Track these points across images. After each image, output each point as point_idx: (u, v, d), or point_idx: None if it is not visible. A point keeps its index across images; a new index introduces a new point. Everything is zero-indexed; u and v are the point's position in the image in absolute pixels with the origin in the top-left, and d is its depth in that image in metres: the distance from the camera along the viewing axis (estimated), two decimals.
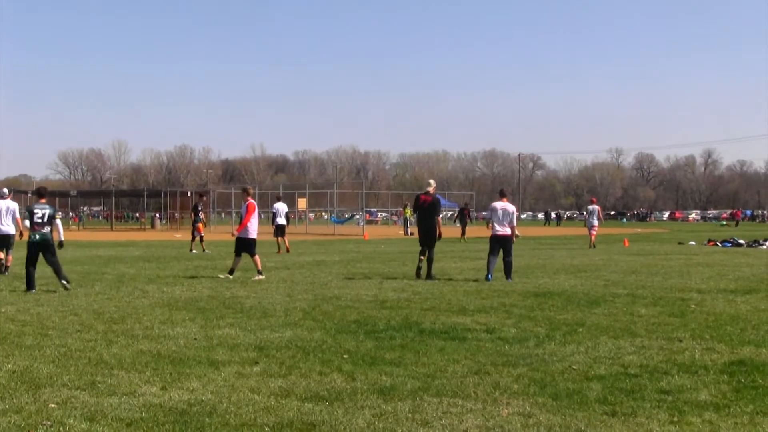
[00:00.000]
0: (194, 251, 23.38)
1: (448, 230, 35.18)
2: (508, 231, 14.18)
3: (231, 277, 14.21)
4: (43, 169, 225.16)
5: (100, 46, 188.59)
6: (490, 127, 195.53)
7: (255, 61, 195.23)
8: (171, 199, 62.34)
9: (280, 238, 24.09)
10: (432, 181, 15.30)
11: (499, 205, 14.39)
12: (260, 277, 14.12)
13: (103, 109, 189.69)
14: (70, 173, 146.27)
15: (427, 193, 14.71)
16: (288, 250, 23.45)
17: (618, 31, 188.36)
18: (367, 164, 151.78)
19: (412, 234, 43.54)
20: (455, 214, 38.54)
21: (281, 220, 24.45)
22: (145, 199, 71.95)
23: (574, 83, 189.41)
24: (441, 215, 14.73)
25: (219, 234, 43.83)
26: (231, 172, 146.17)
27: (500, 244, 14.18)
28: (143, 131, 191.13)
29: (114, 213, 71.72)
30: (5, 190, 16.57)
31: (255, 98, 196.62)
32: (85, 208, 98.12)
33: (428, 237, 14.35)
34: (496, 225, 14.23)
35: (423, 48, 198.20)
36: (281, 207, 24.93)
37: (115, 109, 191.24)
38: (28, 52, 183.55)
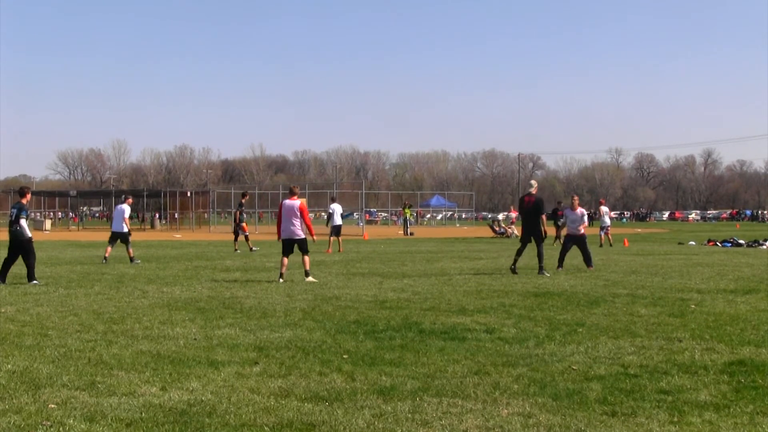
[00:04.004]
0: (237, 250, 23.79)
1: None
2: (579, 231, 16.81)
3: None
4: (42, 169, 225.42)
5: (100, 46, 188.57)
6: (490, 127, 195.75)
7: (255, 61, 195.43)
8: (171, 199, 62.34)
9: (334, 237, 24.60)
10: (533, 182, 16.05)
11: (570, 213, 17.23)
12: (311, 279, 13.82)
13: (103, 109, 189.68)
14: (70, 173, 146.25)
15: (530, 194, 15.45)
16: (341, 250, 23.92)
17: (618, 31, 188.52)
18: (366, 164, 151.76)
19: (411, 234, 43.60)
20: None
21: (338, 221, 24.91)
22: (145, 200, 71.92)
23: (574, 83, 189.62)
24: (544, 214, 15.68)
25: (220, 234, 43.84)
26: (231, 172, 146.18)
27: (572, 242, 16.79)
28: (143, 131, 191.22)
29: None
30: (123, 196, 20.30)
31: (255, 98, 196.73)
32: (85, 209, 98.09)
33: (532, 235, 15.21)
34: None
35: (423, 48, 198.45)
36: (338, 207, 25.43)
37: (115, 109, 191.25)
38: (28, 52, 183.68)
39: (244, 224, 24.42)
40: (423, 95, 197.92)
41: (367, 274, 15.31)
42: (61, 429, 4.67)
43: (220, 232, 46.86)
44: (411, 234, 43.68)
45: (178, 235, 40.97)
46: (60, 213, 78.33)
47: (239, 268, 16.84)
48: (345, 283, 13.38)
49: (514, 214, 44.51)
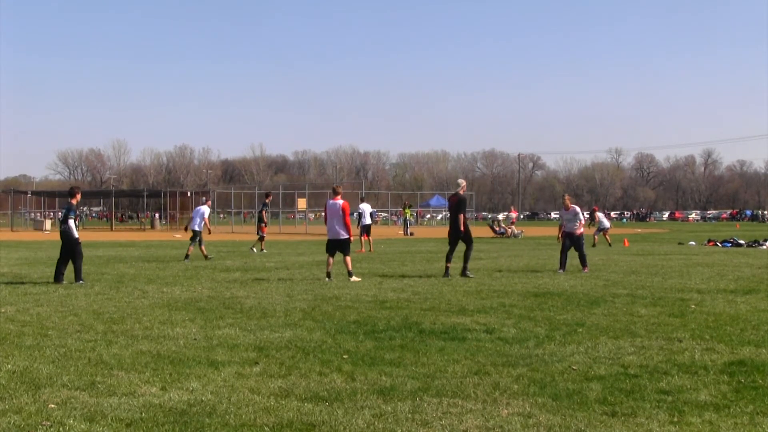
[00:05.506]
0: (264, 250, 24.05)
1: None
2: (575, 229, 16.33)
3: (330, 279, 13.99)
4: (42, 169, 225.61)
5: (100, 46, 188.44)
6: (490, 127, 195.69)
7: (255, 61, 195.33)
8: (171, 200, 62.31)
9: (365, 237, 24.87)
10: (461, 181, 15.62)
11: (563, 212, 16.81)
12: (355, 279, 13.86)
13: (103, 109, 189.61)
14: (70, 173, 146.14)
15: (456, 193, 15.20)
16: (371, 250, 24.00)
17: (617, 30, 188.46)
18: (366, 164, 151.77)
19: (411, 234, 43.59)
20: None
21: (367, 220, 25.27)
22: (145, 200, 71.94)
23: (574, 83, 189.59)
24: (466, 213, 15.17)
25: (220, 234, 43.83)
26: (231, 173, 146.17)
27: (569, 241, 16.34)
28: (143, 131, 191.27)
29: (114, 213, 71.70)
30: (204, 198, 21.72)
31: (255, 98, 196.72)
32: (85, 209, 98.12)
33: (452, 235, 14.95)
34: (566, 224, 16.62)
35: (423, 48, 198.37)
36: (366, 207, 25.84)
37: (115, 109, 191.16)
38: (28, 52, 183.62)
39: (264, 225, 24.52)
40: (423, 95, 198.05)
41: (367, 274, 15.30)
42: (61, 429, 4.66)
43: (220, 232, 46.88)
44: (411, 234, 43.67)
45: (178, 235, 40.95)
46: (60, 213, 78.24)
47: (239, 268, 16.84)
48: (345, 283, 13.38)
49: (514, 214, 44.59)
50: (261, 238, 24.43)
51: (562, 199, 17.28)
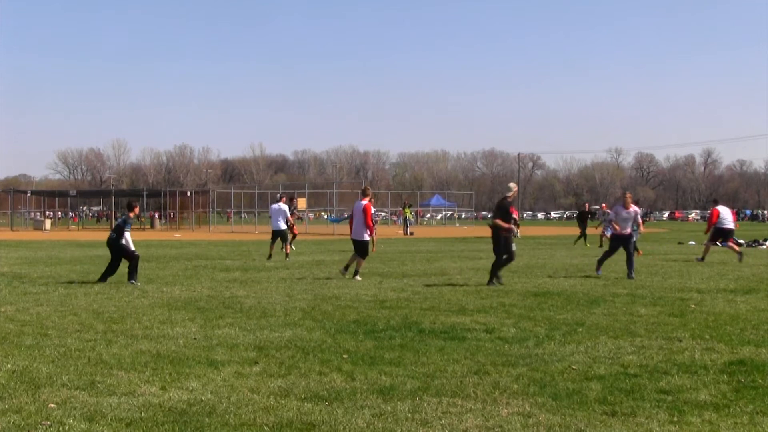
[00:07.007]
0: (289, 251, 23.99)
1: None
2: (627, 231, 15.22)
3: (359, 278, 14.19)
4: (42, 168, 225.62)
5: (100, 46, 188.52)
6: (490, 126, 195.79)
7: (254, 61, 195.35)
8: (170, 199, 62.29)
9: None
10: (511, 185, 14.40)
11: (622, 211, 15.53)
12: (358, 279, 14.00)
13: (103, 109, 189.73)
14: (70, 173, 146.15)
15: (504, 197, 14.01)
16: (373, 249, 23.91)
17: (618, 31, 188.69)
18: (366, 164, 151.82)
19: (411, 234, 43.59)
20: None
21: None
22: (145, 199, 71.87)
23: (574, 83, 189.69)
24: (507, 219, 13.50)
25: (220, 234, 43.85)
26: (230, 172, 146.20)
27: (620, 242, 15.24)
28: (143, 131, 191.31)
29: (114, 213, 71.63)
30: (278, 195, 22.30)
31: (254, 98, 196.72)
32: (85, 208, 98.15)
33: (492, 239, 13.73)
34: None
35: (423, 48, 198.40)
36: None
37: (115, 109, 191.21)
38: (28, 52, 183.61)
39: (295, 227, 24.51)
40: (423, 95, 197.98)
41: (367, 274, 15.29)
42: (60, 429, 4.66)
43: (220, 232, 46.86)
44: (411, 234, 43.67)
45: (178, 235, 40.95)
46: (60, 213, 78.22)
47: (239, 268, 16.84)
48: (345, 282, 13.38)
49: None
50: (293, 237, 24.42)
51: (622, 197, 15.85)
